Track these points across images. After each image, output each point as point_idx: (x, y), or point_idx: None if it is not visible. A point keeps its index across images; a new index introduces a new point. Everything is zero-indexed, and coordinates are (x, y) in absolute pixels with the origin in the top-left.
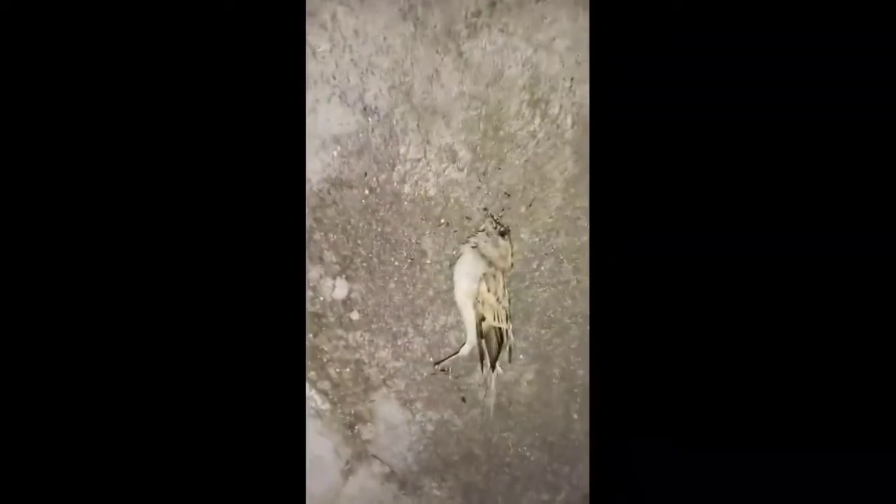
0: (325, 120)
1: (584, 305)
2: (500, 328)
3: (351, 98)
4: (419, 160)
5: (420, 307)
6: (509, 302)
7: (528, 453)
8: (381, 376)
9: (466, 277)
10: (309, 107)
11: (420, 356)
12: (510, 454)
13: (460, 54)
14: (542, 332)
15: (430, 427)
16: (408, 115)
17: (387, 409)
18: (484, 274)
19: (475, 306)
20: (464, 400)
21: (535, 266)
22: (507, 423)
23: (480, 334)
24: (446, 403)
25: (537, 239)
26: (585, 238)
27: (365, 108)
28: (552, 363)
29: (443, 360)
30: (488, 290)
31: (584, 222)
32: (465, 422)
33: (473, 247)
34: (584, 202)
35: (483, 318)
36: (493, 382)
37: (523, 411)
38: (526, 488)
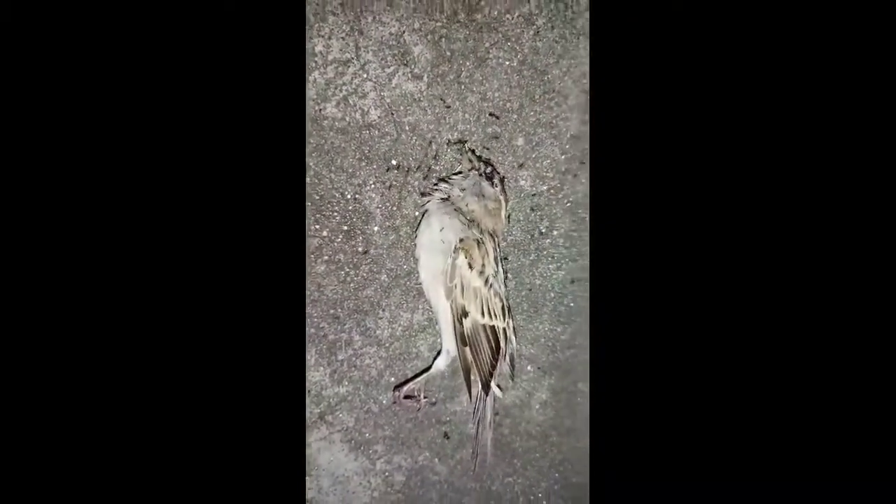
0: None
1: None
2: (493, 327)
3: None
4: (348, 63)
5: (369, 301)
6: (506, 284)
7: (544, 502)
8: (317, 409)
9: (434, 250)
10: None
11: (375, 376)
12: None
13: None
14: (559, 329)
15: (398, 477)
16: None
17: (330, 455)
18: (461, 241)
19: (450, 294)
20: (447, 436)
21: (543, 230)
22: (513, 465)
23: (463, 339)
24: (421, 443)
25: (545, 186)
26: None
27: None
28: (575, 375)
29: (407, 383)
30: (470, 268)
31: None
32: (451, 467)
33: (443, 199)
34: None
35: (465, 313)
36: (488, 410)
37: (535, 446)
38: None
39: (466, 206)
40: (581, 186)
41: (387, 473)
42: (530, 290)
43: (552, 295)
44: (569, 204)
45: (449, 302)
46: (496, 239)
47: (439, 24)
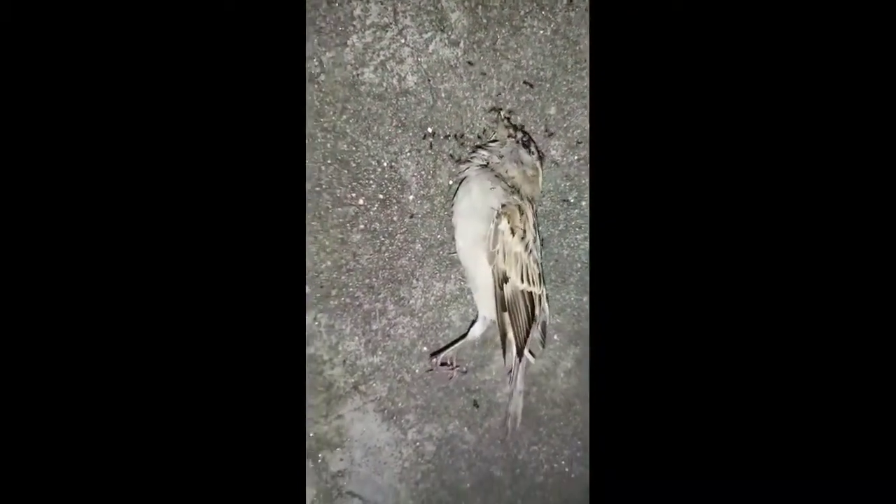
0: None
1: None
2: (530, 293)
3: None
4: (387, 28)
5: (403, 270)
6: (541, 252)
7: (567, 469)
8: (351, 379)
9: (474, 216)
10: None
11: (408, 345)
12: (542, 472)
13: None
14: (584, 299)
15: (429, 447)
16: None
17: (363, 426)
18: (503, 206)
19: (492, 259)
20: (476, 405)
21: (572, 199)
22: (539, 433)
23: (503, 304)
24: (451, 412)
25: (575, 157)
26: None
27: None
28: None
29: (444, 350)
30: (512, 233)
31: None
32: (480, 436)
33: (482, 165)
34: None
35: (506, 279)
36: (520, 376)
37: (560, 414)
38: None
39: (506, 172)
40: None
41: (417, 443)
42: (557, 260)
43: (578, 265)
44: None
45: (491, 267)
46: (534, 205)
47: None
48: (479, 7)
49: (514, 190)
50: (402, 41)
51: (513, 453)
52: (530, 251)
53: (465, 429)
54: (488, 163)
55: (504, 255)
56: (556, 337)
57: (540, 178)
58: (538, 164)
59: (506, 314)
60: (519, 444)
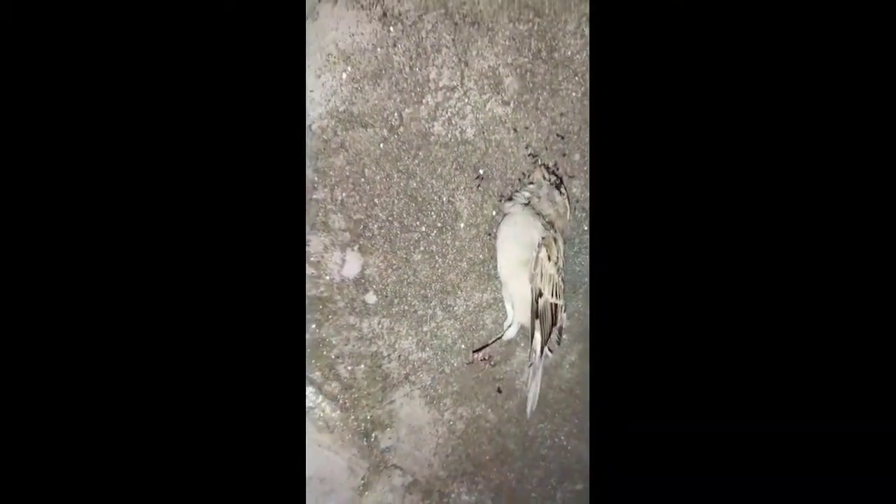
0: (331, 28)
1: None
2: (555, 304)
3: None
4: (454, 89)
5: (451, 283)
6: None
7: (565, 443)
8: (403, 371)
9: (518, 244)
10: (308, 7)
11: (450, 343)
12: (546, 446)
13: None
14: (589, 306)
15: (459, 426)
16: (441, 26)
17: (409, 410)
18: (543, 238)
19: (532, 279)
20: (499, 391)
21: (585, 228)
22: (545, 413)
23: (535, 313)
24: (479, 397)
25: (590, 193)
26: None
27: (385, 14)
28: None
29: (484, 347)
30: (548, 259)
31: None
32: (500, 416)
33: (525, 204)
34: None
35: (541, 294)
36: (540, 368)
37: (563, 398)
38: (561, 480)
39: (544, 210)
40: None
41: (451, 422)
42: (570, 275)
43: (585, 280)
44: None
45: (531, 285)
46: (563, 235)
47: (526, 59)
48: (528, 73)
49: (550, 225)
50: (466, 101)
51: (524, 430)
52: (560, 273)
53: (489, 410)
54: (529, 201)
55: (541, 276)
56: (564, 336)
57: (568, 215)
58: (567, 203)
59: (537, 321)
60: (530, 422)
